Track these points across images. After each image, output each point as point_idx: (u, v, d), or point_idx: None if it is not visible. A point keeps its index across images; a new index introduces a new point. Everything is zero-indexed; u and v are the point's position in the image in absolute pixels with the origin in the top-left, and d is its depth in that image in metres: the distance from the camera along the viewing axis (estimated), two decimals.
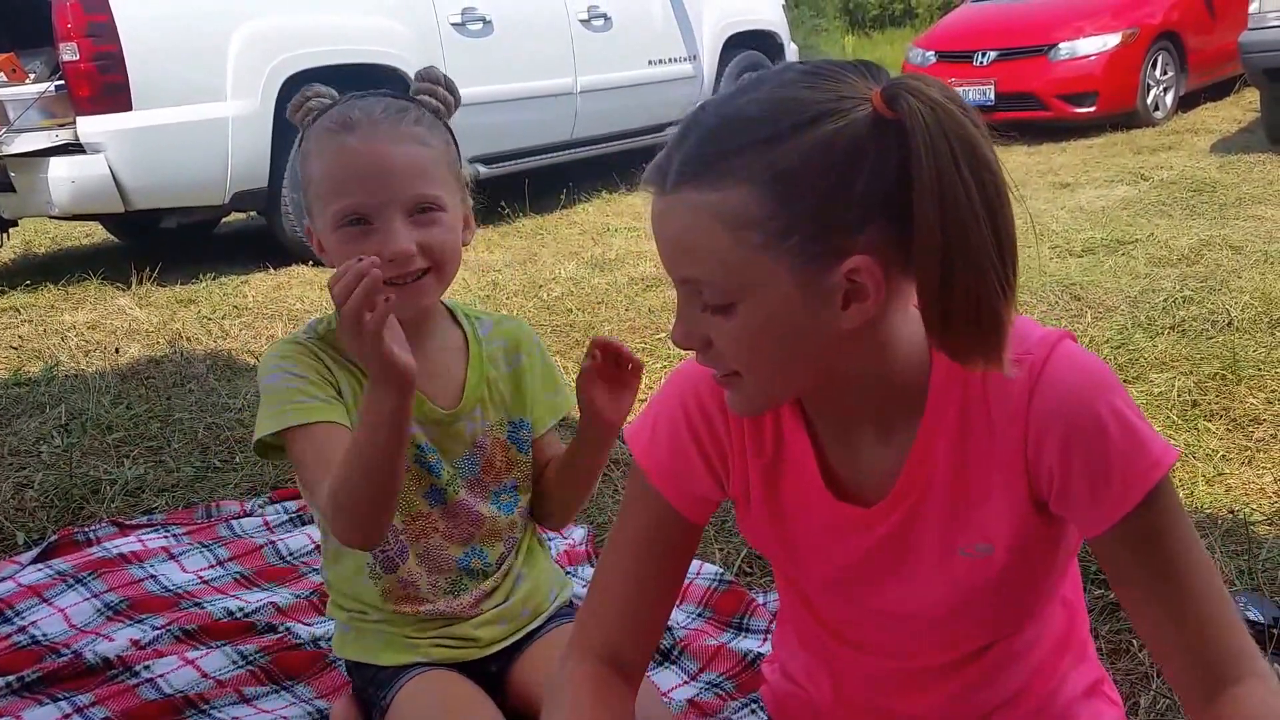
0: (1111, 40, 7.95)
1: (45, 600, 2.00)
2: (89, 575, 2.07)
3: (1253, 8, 6.39)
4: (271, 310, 4.39)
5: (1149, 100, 8.08)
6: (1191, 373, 2.85)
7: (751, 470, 1.10)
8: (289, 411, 1.36)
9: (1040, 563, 1.06)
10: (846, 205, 0.89)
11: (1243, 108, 8.14)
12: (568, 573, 2.02)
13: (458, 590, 1.52)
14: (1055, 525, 1.02)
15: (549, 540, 2.14)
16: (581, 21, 6.47)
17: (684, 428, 1.10)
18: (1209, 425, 2.54)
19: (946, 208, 0.86)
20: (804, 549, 1.11)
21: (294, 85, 5.01)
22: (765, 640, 1.79)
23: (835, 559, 1.09)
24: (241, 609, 1.95)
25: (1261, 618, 1.66)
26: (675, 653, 1.77)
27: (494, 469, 1.53)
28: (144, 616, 1.96)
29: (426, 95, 1.45)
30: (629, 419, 1.25)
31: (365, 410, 1.27)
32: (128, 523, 2.34)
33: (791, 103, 0.89)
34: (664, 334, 3.59)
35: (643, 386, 1.44)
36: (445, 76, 1.49)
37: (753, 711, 1.59)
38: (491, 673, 1.54)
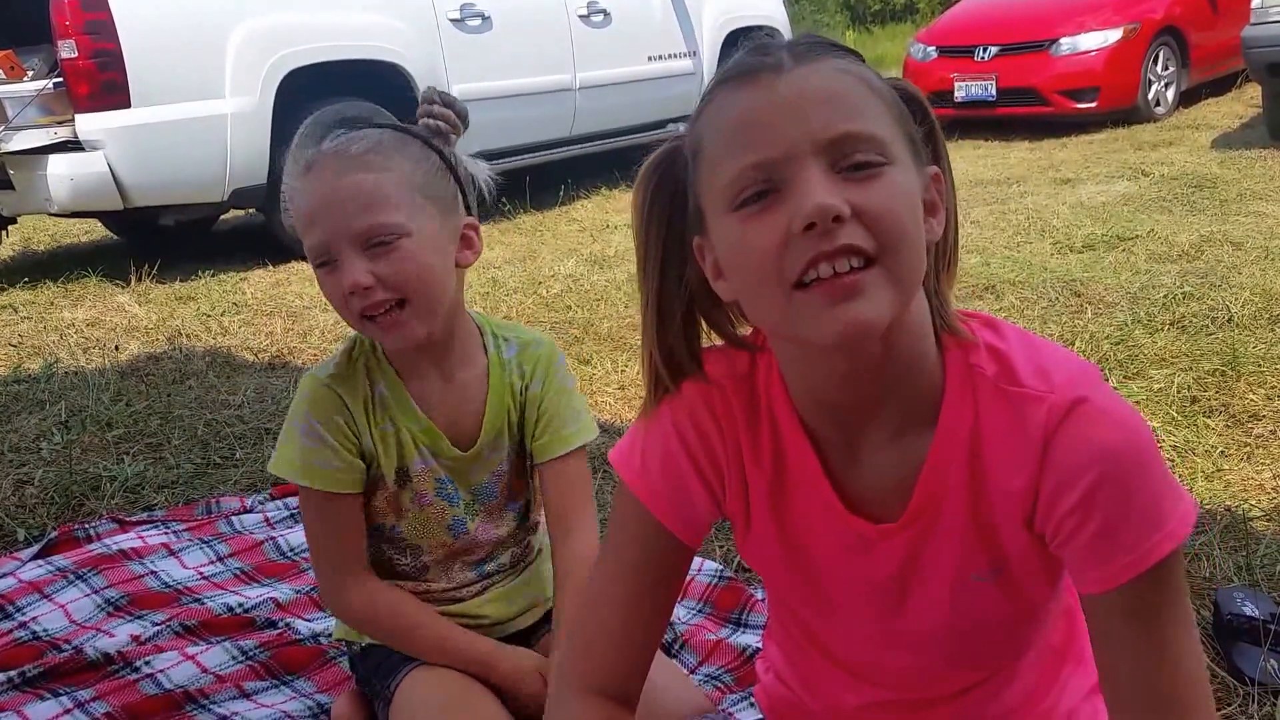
0: (1113, 35, 7.93)
1: (46, 596, 2.01)
2: (89, 571, 2.07)
3: (1255, 2, 6.37)
4: (270, 307, 4.40)
5: (1150, 96, 8.07)
6: (1191, 369, 2.85)
7: (752, 484, 1.05)
8: (311, 473, 1.43)
9: (1045, 584, 1.03)
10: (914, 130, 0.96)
11: (1244, 103, 8.13)
12: None
13: (469, 583, 1.58)
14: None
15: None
16: (581, 17, 6.46)
17: (678, 446, 1.05)
18: (1208, 421, 2.54)
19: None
20: (824, 570, 1.06)
21: (293, 82, 5.07)
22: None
23: (857, 580, 1.05)
24: (242, 604, 1.96)
25: (1258, 613, 1.66)
26: (676, 646, 1.78)
27: (509, 491, 1.56)
28: (144, 612, 1.96)
29: (425, 117, 1.43)
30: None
31: (456, 648, 1.46)
32: (128, 519, 2.34)
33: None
34: None
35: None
36: (443, 93, 1.46)
37: (751, 704, 1.60)
38: None
